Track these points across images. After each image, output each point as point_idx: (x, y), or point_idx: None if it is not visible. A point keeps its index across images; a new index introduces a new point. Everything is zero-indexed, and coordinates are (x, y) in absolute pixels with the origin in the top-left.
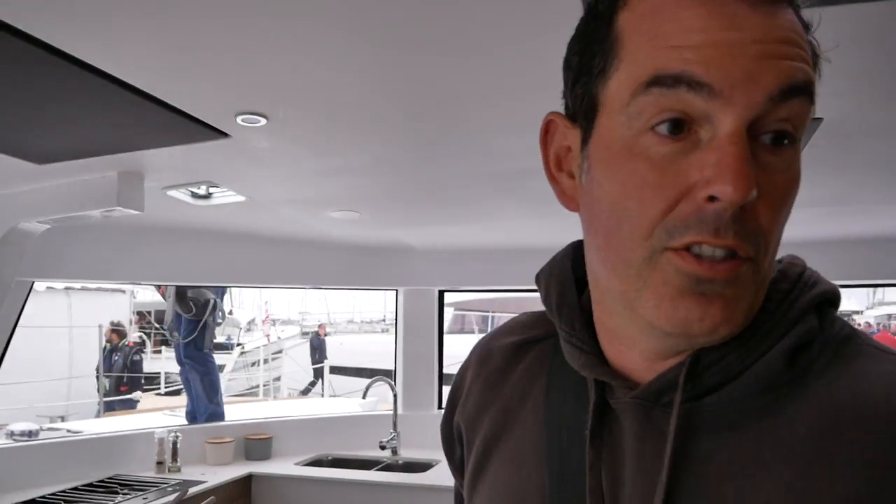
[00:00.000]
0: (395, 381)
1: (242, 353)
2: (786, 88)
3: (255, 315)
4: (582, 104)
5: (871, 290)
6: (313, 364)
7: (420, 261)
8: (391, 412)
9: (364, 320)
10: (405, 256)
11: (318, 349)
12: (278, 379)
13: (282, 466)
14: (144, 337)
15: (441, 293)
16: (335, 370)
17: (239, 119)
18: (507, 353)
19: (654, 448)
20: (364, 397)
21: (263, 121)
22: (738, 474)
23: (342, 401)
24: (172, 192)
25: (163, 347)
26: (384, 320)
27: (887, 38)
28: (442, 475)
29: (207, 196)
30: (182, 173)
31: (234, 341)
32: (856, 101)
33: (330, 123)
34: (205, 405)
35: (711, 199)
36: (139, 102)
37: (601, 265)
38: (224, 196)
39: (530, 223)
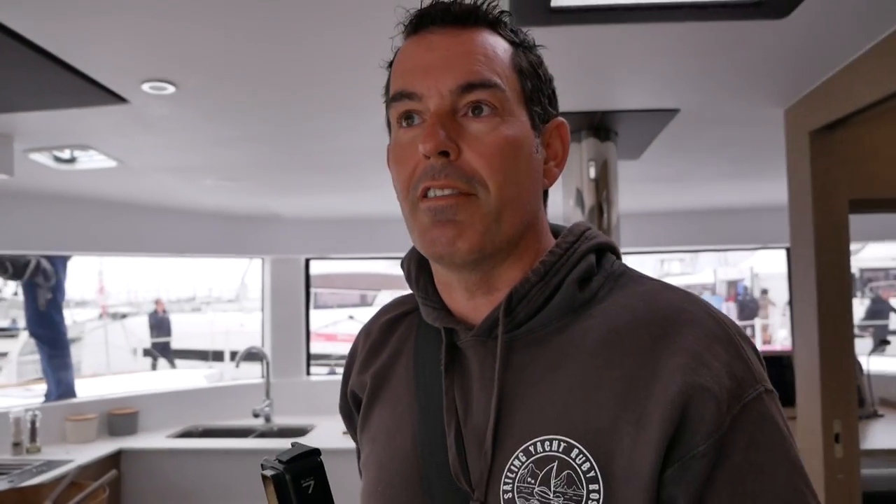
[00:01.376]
0: (263, 346)
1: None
2: (464, 84)
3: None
4: (387, 127)
5: (659, 262)
6: (152, 342)
7: (287, 229)
8: (260, 381)
9: (170, 300)
10: (273, 225)
11: (156, 327)
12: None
13: (151, 440)
14: None
15: (307, 262)
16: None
17: (145, 86)
18: (383, 327)
19: (490, 369)
20: (237, 366)
21: (172, 88)
22: (546, 374)
23: (191, 375)
24: (35, 156)
25: None
26: (194, 299)
27: (735, 47)
28: (321, 438)
29: (71, 160)
30: (56, 136)
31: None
32: (704, 96)
33: (234, 94)
34: (54, 384)
35: (427, 157)
36: (35, 60)
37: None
38: (91, 161)
39: (392, 194)
